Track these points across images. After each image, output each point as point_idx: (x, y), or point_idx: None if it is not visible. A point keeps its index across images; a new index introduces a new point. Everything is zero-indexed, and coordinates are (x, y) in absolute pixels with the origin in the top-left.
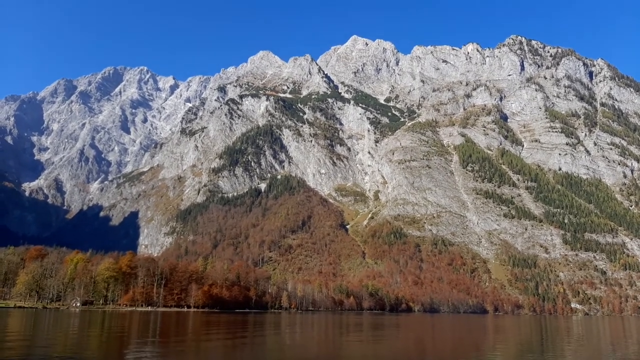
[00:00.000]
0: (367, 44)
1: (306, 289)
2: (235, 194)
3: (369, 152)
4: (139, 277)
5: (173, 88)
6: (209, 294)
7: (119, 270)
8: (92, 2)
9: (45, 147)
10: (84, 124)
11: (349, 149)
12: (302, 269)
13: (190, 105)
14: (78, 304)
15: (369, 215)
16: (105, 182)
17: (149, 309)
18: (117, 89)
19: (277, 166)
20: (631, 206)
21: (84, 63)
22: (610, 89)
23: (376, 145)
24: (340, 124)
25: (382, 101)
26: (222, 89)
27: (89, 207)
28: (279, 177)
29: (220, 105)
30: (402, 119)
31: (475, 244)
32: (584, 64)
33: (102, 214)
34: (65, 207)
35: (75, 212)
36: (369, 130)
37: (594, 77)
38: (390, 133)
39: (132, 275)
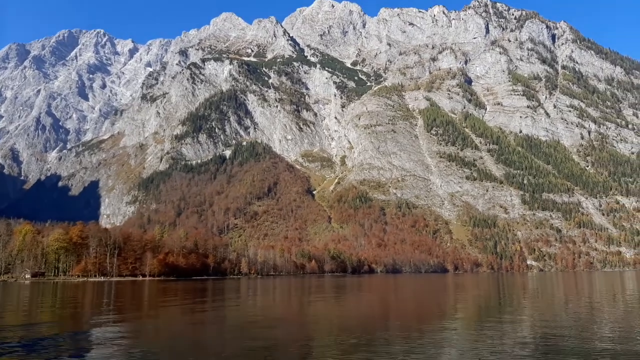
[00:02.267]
0: (333, 6)
1: (267, 255)
2: (199, 161)
3: (336, 118)
4: (90, 247)
5: (132, 52)
6: (165, 262)
7: (70, 240)
8: None
9: None
10: (39, 91)
11: (315, 114)
12: (267, 235)
13: (151, 70)
14: (28, 276)
15: (336, 181)
16: (64, 151)
17: (102, 279)
18: (72, 53)
19: (242, 132)
20: (587, 166)
21: (36, 27)
22: (572, 51)
23: (343, 110)
24: (307, 88)
25: (348, 65)
26: (183, 53)
27: (47, 177)
28: (244, 143)
29: (182, 70)
30: (369, 83)
31: (438, 206)
32: (547, 26)
33: (60, 183)
34: (22, 178)
35: (33, 183)
36: (335, 95)
37: (556, 40)
38: (356, 98)
39: (83, 246)
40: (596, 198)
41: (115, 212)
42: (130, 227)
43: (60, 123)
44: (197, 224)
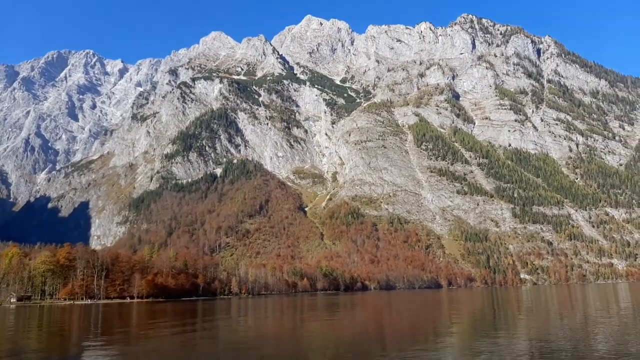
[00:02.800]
0: (321, 24)
1: (258, 273)
2: (189, 180)
3: (326, 134)
4: (77, 269)
5: (122, 72)
6: (154, 283)
7: (57, 263)
8: None
9: None
10: (28, 112)
11: (306, 131)
12: (260, 253)
13: (141, 89)
14: (13, 300)
15: (327, 197)
16: (53, 172)
17: (89, 301)
18: (62, 74)
19: (232, 150)
20: (576, 179)
21: (25, 48)
22: (557, 65)
23: (333, 127)
24: (297, 105)
25: (338, 82)
26: (173, 72)
27: (36, 199)
28: (235, 161)
29: (172, 89)
30: (358, 100)
31: (430, 221)
32: (532, 41)
33: (50, 205)
34: (11, 200)
35: (22, 205)
36: (325, 112)
37: (541, 54)
38: (346, 114)
39: (70, 268)
40: (586, 210)
41: (105, 233)
42: (121, 247)
43: (50, 144)
44: (188, 243)
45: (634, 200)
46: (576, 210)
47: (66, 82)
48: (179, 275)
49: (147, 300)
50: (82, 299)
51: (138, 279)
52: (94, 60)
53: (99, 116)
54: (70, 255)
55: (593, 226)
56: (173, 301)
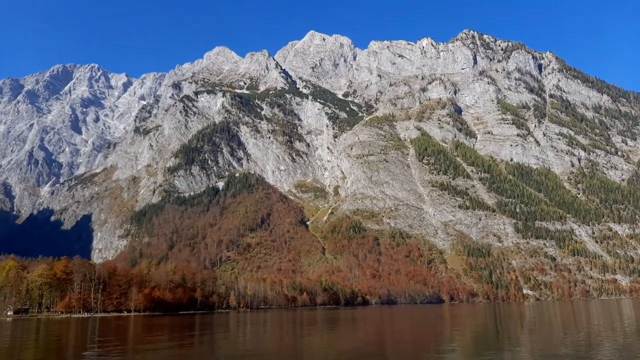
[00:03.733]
0: (324, 39)
1: (257, 288)
2: (192, 193)
3: (328, 148)
4: (75, 282)
5: (126, 86)
6: (151, 297)
7: (54, 276)
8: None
9: None
10: (32, 125)
11: (308, 145)
12: (261, 267)
13: (145, 103)
14: (10, 313)
15: (329, 211)
16: (57, 185)
17: (86, 315)
18: (66, 88)
19: (235, 164)
20: (579, 194)
21: (30, 61)
22: (559, 80)
23: (335, 141)
24: (299, 119)
25: (340, 96)
26: (177, 86)
27: (39, 212)
28: (237, 174)
29: (175, 103)
30: (360, 114)
31: (432, 235)
32: (534, 57)
33: (53, 218)
34: (14, 213)
35: (25, 217)
36: (327, 126)
37: (543, 70)
38: (348, 128)
39: (68, 281)
40: (589, 225)
41: (107, 246)
42: (122, 261)
43: (53, 157)
44: (189, 257)
45: (637, 216)
46: (579, 226)
47: (70, 95)
48: (177, 289)
49: (144, 314)
50: (79, 312)
51: (135, 293)
52: (98, 74)
53: (102, 129)
54: (68, 269)
55: (596, 241)
56: (170, 315)
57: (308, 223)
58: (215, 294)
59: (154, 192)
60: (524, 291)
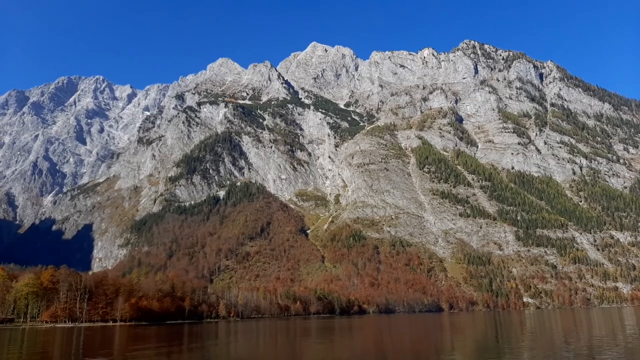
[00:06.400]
0: (326, 50)
1: (248, 296)
2: (192, 202)
3: (330, 157)
4: (60, 292)
5: (131, 97)
6: (137, 306)
7: (41, 285)
8: (45, 12)
9: None
10: (37, 136)
11: (309, 154)
12: (259, 276)
13: (148, 114)
14: None
15: (330, 219)
16: (59, 194)
17: (70, 324)
18: (71, 99)
19: (236, 173)
20: (580, 202)
21: (36, 73)
22: (560, 89)
23: (336, 150)
24: (301, 129)
25: (342, 106)
26: (180, 97)
27: (41, 221)
28: (238, 184)
29: (178, 113)
30: (362, 123)
31: (433, 244)
32: (534, 66)
33: (54, 227)
34: (17, 222)
35: (28, 227)
36: (329, 135)
37: (544, 79)
38: (350, 137)
39: (54, 291)
40: (590, 233)
41: (107, 255)
42: (121, 270)
43: (57, 167)
44: (187, 266)
45: (639, 223)
46: (580, 234)
47: (75, 106)
48: (165, 298)
49: (130, 323)
50: (65, 322)
51: (121, 302)
52: (103, 85)
53: (107, 140)
54: (54, 278)
55: (598, 249)
56: (157, 324)
57: (308, 232)
58: (204, 303)
59: (154, 202)
60: (525, 299)
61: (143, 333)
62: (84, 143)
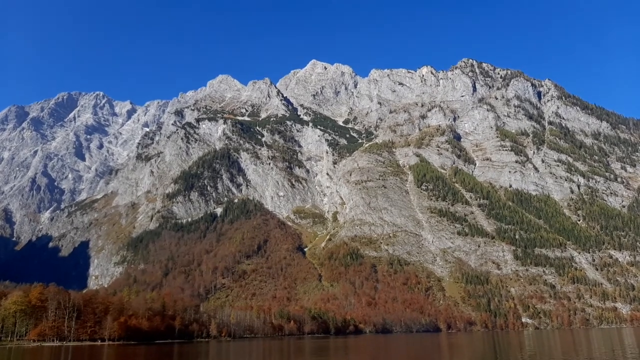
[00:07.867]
0: (326, 68)
1: (241, 315)
2: (189, 219)
3: (328, 174)
4: (49, 310)
5: (130, 113)
6: (126, 325)
7: (29, 303)
8: (45, 27)
9: None
10: (36, 152)
11: (307, 171)
12: (256, 295)
13: (148, 130)
14: None
15: (327, 237)
16: (57, 211)
17: (58, 343)
18: (71, 115)
19: (234, 190)
20: (579, 220)
21: (36, 89)
22: (558, 108)
23: (334, 167)
24: (299, 146)
25: (340, 123)
26: (179, 113)
27: (38, 238)
28: (235, 200)
29: (177, 130)
30: (360, 141)
31: (430, 263)
32: (532, 84)
33: (51, 244)
34: (14, 239)
35: (25, 244)
36: (327, 152)
37: (542, 97)
38: (348, 154)
39: (42, 309)
40: (589, 252)
41: (103, 273)
42: (116, 288)
43: (56, 183)
44: (183, 284)
45: (637, 243)
46: (579, 253)
47: (74, 122)
48: (155, 317)
49: (119, 343)
50: (52, 340)
51: (110, 321)
52: (103, 101)
53: (106, 156)
54: (43, 296)
55: (596, 269)
56: (146, 344)
57: (305, 250)
58: (195, 322)
59: (151, 218)
60: (523, 320)
61: (131, 352)
62: (83, 159)
